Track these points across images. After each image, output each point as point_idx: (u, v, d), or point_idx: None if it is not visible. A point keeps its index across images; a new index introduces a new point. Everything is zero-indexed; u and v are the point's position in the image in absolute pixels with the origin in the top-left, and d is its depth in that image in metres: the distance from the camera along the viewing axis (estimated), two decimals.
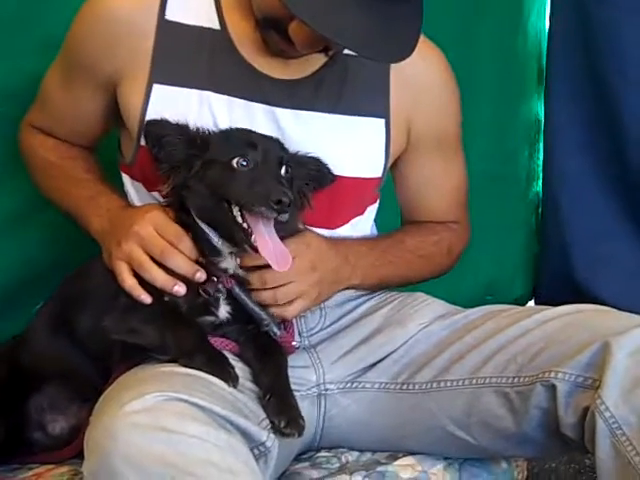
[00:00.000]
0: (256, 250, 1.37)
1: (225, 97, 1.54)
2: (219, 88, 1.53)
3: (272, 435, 1.33)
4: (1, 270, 1.92)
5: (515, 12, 2.33)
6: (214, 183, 1.41)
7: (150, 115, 1.52)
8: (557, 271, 2.37)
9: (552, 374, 1.41)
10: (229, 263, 1.45)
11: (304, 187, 1.51)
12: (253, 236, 1.37)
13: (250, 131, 1.49)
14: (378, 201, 1.75)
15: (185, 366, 1.35)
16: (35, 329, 1.59)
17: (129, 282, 1.41)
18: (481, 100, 2.34)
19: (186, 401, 1.22)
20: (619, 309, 1.53)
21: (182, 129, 1.45)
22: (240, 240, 1.39)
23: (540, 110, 2.41)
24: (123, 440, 1.17)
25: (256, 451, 1.30)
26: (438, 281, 1.82)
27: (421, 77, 1.65)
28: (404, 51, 1.41)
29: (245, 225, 1.38)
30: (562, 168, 2.32)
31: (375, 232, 1.77)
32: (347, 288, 1.61)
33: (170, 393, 1.22)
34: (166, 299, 1.42)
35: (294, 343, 1.52)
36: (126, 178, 1.63)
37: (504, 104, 2.38)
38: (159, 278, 1.40)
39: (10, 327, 1.72)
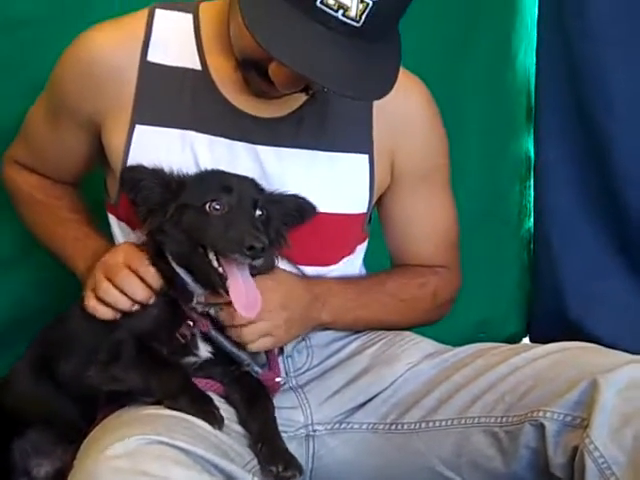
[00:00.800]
0: (228, 294, 1.37)
1: (207, 136, 1.54)
2: (201, 127, 1.53)
3: (256, 478, 1.32)
4: None
5: (503, 48, 2.34)
6: (189, 228, 1.41)
7: (133, 155, 1.52)
8: (550, 308, 2.35)
9: (540, 413, 1.40)
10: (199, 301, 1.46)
11: (281, 227, 1.51)
12: (228, 281, 1.37)
13: (224, 173, 1.49)
14: (367, 240, 1.74)
15: (170, 408, 1.34)
16: (18, 372, 1.58)
17: (91, 303, 1.45)
18: (470, 137, 2.35)
19: (168, 444, 1.21)
20: (613, 346, 1.52)
21: (157, 173, 1.46)
22: (216, 284, 1.40)
23: (530, 146, 2.41)
24: None
25: None
26: None
27: (403, 110, 1.65)
28: (383, 89, 1.41)
29: (220, 269, 1.38)
30: (552, 205, 2.31)
31: (364, 271, 1.76)
32: (321, 326, 1.60)
33: (152, 436, 1.21)
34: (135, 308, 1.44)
35: (278, 379, 1.51)
36: (112, 218, 1.63)
37: (493, 141, 2.38)
38: (118, 300, 1.43)
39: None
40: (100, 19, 1.63)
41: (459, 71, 2.31)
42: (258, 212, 1.43)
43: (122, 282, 1.43)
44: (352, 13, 1.33)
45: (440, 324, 1.89)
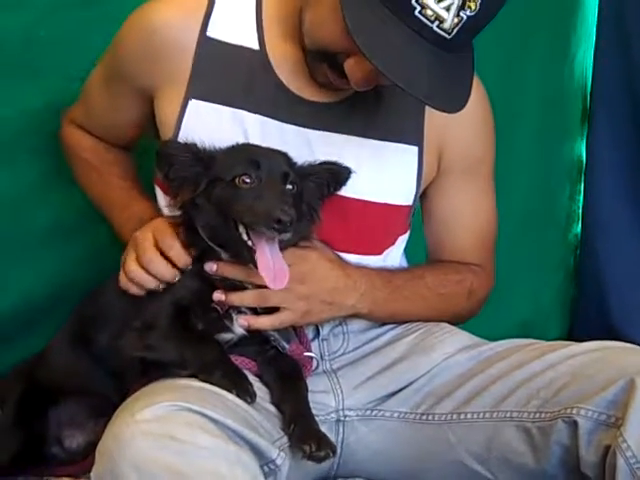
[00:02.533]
0: (256, 266, 1.38)
1: (258, 117, 1.55)
2: (253, 107, 1.55)
3: (283, 454, 1.32)
4: (38, 283, 1.96)
5: (561, 50, 2.33)
6: (219, 202, 1.42)
7: (184, 129, 1.54)
8: (593, 315, 2.34)
9: (574, 410, 1.38)
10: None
11: (314, 201, 1.50)
12: (255, 253, 1.38)
13: (256, 146, 1.49)
14: (408, 232, 1.73)
15: (204, 381, 1.34)
16: (54, 346, 1.62)
17: (122, 281, 1.48)
18: (523, 137, 2.34)
19: (198, 412, 1.22)
20: None
21: (189, 148, 1.46)
22: (245, 257, 1.40)
23: (583, 151, 2.39)
24: (132, 447, 1.17)
25: (266, 468, 1.29)
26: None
27: None
28: (461, 100, 1.43)
29: (250, 243, 1.39)
30: (601, 212, 2.30)
31: (405, 263, 1.75)
32: (354, 316, 1.59)
33: (182, 403, 1.22)
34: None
35: (307, 354, 1.52)
36: (159, 192, 1.65)
37: (546, 142, 2.37)
38: (145, 280, 1.46)
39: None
40: None
41: (516, 69, 2.30)
42: (289, 186, 1.43)
43: (148, 263, 1.45)
44: (446, 25, 1.35)
45: (481, 323, 1.87)
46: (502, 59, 2.27)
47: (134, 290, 1.47)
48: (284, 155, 1.49)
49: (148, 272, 1.45)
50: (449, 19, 1.34)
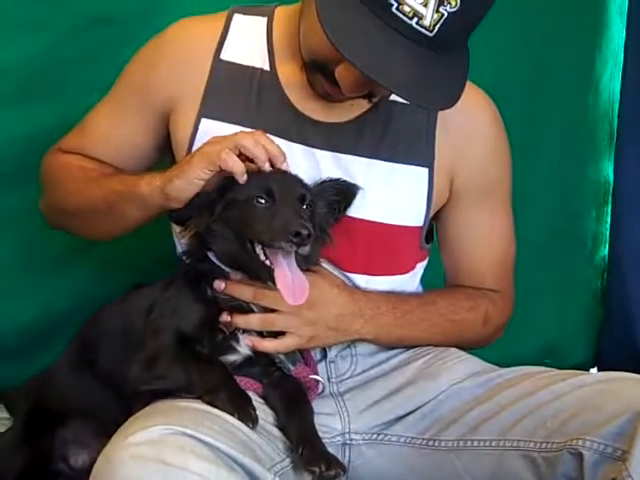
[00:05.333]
0: (275, 283, 1.38)
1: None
2: (262, 126, 1.54)
3: (278, 479, 1.31)
4: (56, 299, 1.99)
5: (586, 72, 2.30)
6: (236, 223, 1.42)
7: (196, 148, 1.53)
8: (620, 339, 2.29)
9: (580, 442, 1.36)
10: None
11: (325, 223, 1.50)
12: (274, 270, 1.38)
13: (269, 171, 1.46)
14: (427, 259, 1.72)
15: (208, 403, 1.34)
16: (61, 365, 1.63)
17: (222, 155, 1.39)
18: (548, 158, 2.32)
19: (191, 436, 1.21)
20: None
21: (199, 200, 1.44)
22: (263, 276, 1.41)
23: (610, 172, 2.35)
24: (122, 470, 1.17)
25: None
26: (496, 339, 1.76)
27: (468, 127, 1.64)
28: (449, 100, 1.41)
29: (268, 262, 1.39)
30: (629, 235, 2.27)
31: (420, 290, 1.74)
32: (363, 341, 1.58)
33: (176, 427, 1.22)
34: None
35: (313, 377, 1.51)
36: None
37: (572, 163, 2.34)
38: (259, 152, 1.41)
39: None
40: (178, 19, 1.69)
41: (540, 91, 2.28)
42: (305, 206, 1.44)
43: (258, 139, 1.41)
44: (426, 22, 1.34)
45: (506, 344, 1.86)
46: (526, 77, 2.25)
47: (233, 162, 1.39)
48: (296, 177, 1.49)
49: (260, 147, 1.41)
50: (428, 15, 1.33)
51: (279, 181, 1.43)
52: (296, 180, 1.48)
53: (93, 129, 1.71)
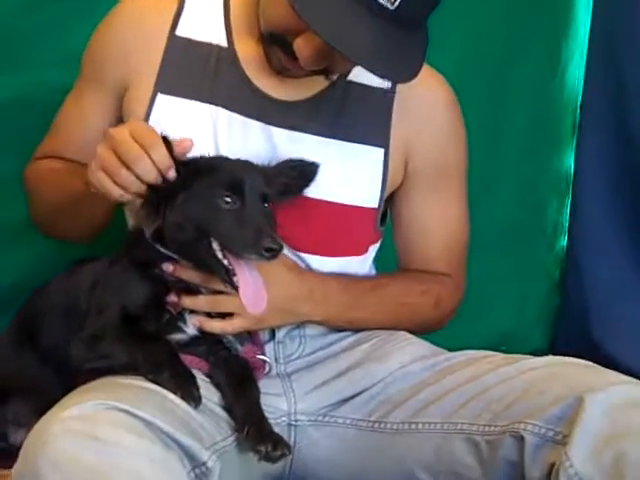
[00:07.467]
0: (237, 289, 1.35)
1: (225, 111, 1.55)
2: (220, 102, 1.54)
3: (214, 457, 1.29)
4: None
5: (552, 61, 2.31)
6: (198, 219, 1.37)
7: (152, 123, 1.52)
8: (575, 328, 2.32)
9: (522, 425, 1.35)
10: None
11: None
12: (235, 277, 1.35)
13: (235, 163, 1.44)
14: (379, 241, 1.71)
15: (152, 381, 1.33)
16: (2, 342, 1.59)
17: (97, 176, 1.33)
18: (511, 148, 2.34)
19: (126, 411, 1.20)
20: (633, 372, 1.46)
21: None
22: (221, 277, 1.38)
23: (572, 163, 2.36)
24: (53, 445, 1.14)
25: (197, 470, 1.26)
26: (453, 324, 1.76)
27: (425, 109, 1.64)
28: (408, 74, 1.41)
29: (226, 262, 1.36)
30: (586, 225, 2.29)
31: (373, 272, 1.73)
32: (311, 322, 1.57)
33: (112, 402, 1.20)
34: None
35: (260, 356, 1.50)
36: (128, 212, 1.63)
37: (535, 153, 2.36)
38: (128, 183, 1.32)
39: None
40: None
41: (505, 80, 2.29)
42: (265, 204, 1.40)
43: (132, 161, 1.30)
44: None
45: (462, 332, 1.87)
46: (492, 70, 2.26)
47: (109, 187, 1.32)
48: (257, 168, 1.45)
49: (129, 169, 1.31)
50: None
51: (246, 180, 1.38)
52: (257, 173, 1.43)
53: (61, 129, 1.69)
